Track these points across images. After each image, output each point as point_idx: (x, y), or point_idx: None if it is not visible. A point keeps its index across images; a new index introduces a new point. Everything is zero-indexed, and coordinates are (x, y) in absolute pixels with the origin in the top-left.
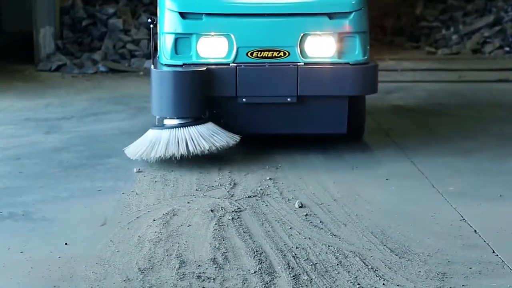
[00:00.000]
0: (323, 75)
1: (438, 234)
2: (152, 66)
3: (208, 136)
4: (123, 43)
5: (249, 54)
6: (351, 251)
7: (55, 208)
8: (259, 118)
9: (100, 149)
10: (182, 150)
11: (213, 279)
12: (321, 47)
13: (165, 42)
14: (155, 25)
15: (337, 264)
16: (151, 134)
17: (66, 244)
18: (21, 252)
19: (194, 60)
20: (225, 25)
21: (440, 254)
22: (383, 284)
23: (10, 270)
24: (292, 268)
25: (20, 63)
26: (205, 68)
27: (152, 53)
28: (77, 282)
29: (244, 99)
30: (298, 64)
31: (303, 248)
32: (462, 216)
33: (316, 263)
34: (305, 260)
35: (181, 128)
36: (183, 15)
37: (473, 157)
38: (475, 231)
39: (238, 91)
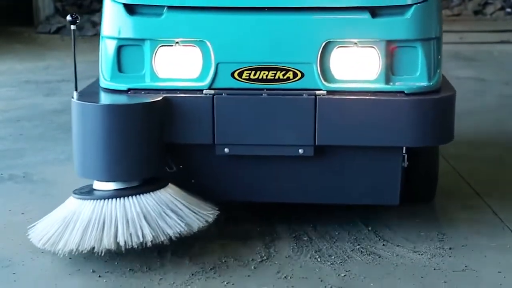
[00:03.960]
0: (359, 113)
1: None
2: (75, 94)
3: (157, 216)
4: None
5: (236, 75)
6: None
7: (55, 170)
8: (252, 180)
9: None
10: (107, 242)
11: None
12: (357, 64)
13: (104, 53)
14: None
15: None
16: (69, 206)
17: None
18: (22, 213)
19: (147, 83)
20: (198, 26)
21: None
22: (383, 244)
23: (11, 231)
24: None
25: (19, 25)
26: (161, 98)
27: (75, 71)
28: None
29: (226, 149)
30: (318, 92)
31: None
32: None
33: None
34: None
35: (114, 199)
36: (130, 8)
37: None
38: None
39: (216, 137)
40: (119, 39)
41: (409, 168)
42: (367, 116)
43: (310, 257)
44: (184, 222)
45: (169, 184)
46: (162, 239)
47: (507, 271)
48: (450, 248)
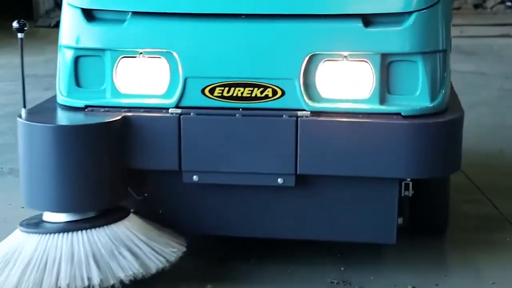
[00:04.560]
0: (347, 138)
1: None
2: (23, 112)
3: (108, 255)
4: None
5: (206, 92)
6: None
7: None
8: (226, 212)
9: None
10: (48, 286)
11: None
12: (347, 81)
13: (61, 65)
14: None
15: None
16: (12, 240)
17: None
18: (22, 207)
19: (107, 99)
20: (164, 35)
21: None
22: None
23: (11, 225)
24: None
25: (19, 19)
26: (120, 117)
27: (23, 85)
28: None
29: (194, 177)
30: (300, 113)
31: None
32: None
33: None
34: None
35: (60, 234)
36: (89, 14)
37: None
38: None
39: (183, 162)
40: (77, 49)
41: (416, 197)
42: (357, 141)
43: None
44: (140, 263)
45: (131, 215)
46: (112, 282)
47: None
48: None
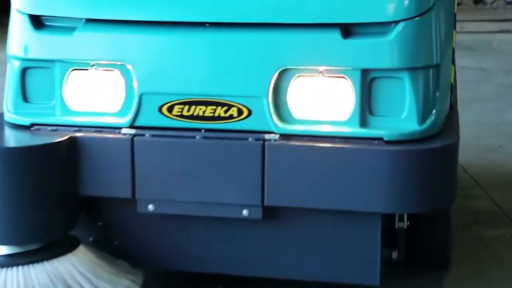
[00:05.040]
0: (322, 165)
1: None
2: None
3: None
4: None
5: (164, 110)
6: None
7: None
8: (186, 245)
9: None
10: None
11: None
12: (323, 100)
13: (9, 77)
14: None
15: None
16: None
17: None
18: None
19: (57, 116)
20: (118, 46)
21: None
22: None
23: None
24: None
25: None
26: (67, 138)
27: None
28: None
29: (150, 206)
30: (268, 136)
31: None
32: None
33: None
34: None
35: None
36: (37, 21)
37: None
38: None
39: (137, 190)
40: (24, 59)
41: (413, 229)
42: (333, 170)
43: None
44: None
45: (80, 247)
46: None
47: None
48: None
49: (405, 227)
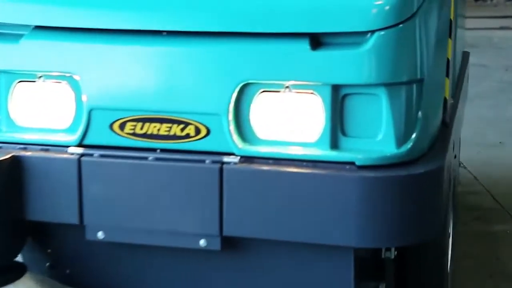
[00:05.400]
0: (286, 192)
1: None
2: None
3: None
4: None
5: (116, 128)
6: None
7: None
8: (141, 276)
9: None
10: None
11: None
12: (289, 119)
13: None
14: None
15: None
16: None
17: None
18: None
19: (2, 132)
20: (66, 56)
21: None
22: None
23: None
24: None
25: None
26: (9, 157)
27: None
28: None
29: (99, 234)
30: (226, 159)
31: None
32: None
33: None
34: None
35: None
36: None
37: None
38: None
39: (85, 216)
40: None
41: (402, 259)
42: (299, 198)
43: None
44: None
45: (26, 276)
46: None
47: None
48: None
49: (392, 257)
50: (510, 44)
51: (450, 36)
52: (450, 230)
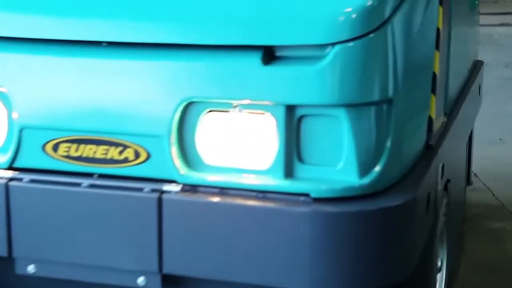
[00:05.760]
0: (234, 227)
1: None
2: None
3: None
4: None
5: (49, 149)
6: None
7: None
8: None
9: None
10: None
11: None
12: (238, 142)
13: None
14: None
15: None
16: None
17: None
18: None
19: None
20: None
21: None
22: None
23: None
24: None
25: None
26: None
27: None
28: None
29: (30, 267)
30: (166, 187)
31: None
32: None
33: None
34: None
35: None
36: None
37: None
38: None
39: (14, 247)
40: None
41: None
42: (245, 234)
43: None
44: None
45: None
46: None
47: None
48: None
49: None
50: (510, 40)
51: (437, 48)
52: (442, 263)
